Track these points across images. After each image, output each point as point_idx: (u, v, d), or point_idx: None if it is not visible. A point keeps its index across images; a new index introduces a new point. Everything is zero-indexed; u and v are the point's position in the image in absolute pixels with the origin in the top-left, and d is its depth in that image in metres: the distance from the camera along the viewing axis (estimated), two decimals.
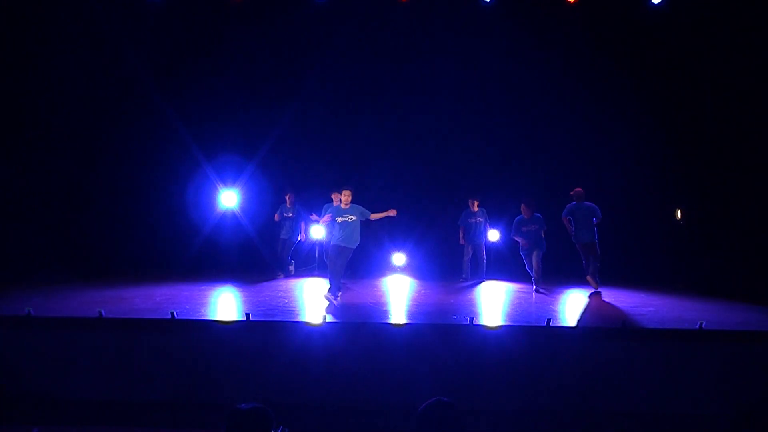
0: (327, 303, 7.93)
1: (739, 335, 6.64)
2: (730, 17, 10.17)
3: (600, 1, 10.92)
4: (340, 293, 8.13)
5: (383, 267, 11.48)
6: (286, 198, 10.62)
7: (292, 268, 10.87)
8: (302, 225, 10.67)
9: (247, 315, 6.73)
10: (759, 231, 9.94)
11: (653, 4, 10.62)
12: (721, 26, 10.30)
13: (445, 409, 2.94)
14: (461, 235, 10.57)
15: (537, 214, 9.54)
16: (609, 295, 9.09)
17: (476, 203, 10.45)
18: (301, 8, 11.08)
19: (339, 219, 8.05)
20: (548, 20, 11.09)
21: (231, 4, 11.08)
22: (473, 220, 10.41)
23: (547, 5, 11.07)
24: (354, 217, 8.01)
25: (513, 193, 10.59)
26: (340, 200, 8.25)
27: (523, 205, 9.50)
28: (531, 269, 9.47)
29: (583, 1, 10.78)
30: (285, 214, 10.55)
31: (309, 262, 11.51)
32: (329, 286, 8.11)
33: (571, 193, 9.31)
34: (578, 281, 9.73)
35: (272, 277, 10.43)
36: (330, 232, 8.86)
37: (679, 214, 11.47)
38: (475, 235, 10.42)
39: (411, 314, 7.69)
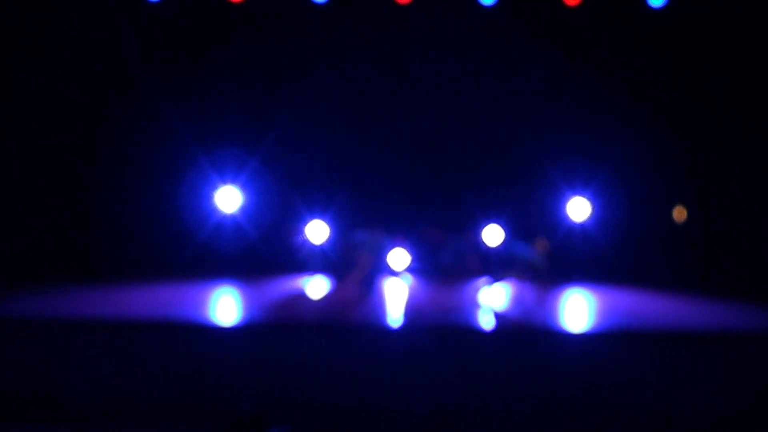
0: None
1: (739, 335, 6.64)
2: (730, 17, 10.17)
3: (599, 4, 10.91)
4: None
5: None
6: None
7: None
8: None
9: (247, 315, 6.73)
10: (759, 230, 9.94)
11: (653, 6, 10.61)
12: (720, 26, 10.30)
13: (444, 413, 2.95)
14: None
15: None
16: (609, 295, 9.09)
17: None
18: (301, 7, 11.06)
19: None
20: (548, 22, 11.08)
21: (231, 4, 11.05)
22: None
23: (548, 7, 11.06)
24: None
25: (513, 192, 10.55)
26: None
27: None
28: None
29: (583, 3, 10.77)
30: None
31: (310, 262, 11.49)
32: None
33: None
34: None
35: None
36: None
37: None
38: None
39: (410, 315, 7.68)
